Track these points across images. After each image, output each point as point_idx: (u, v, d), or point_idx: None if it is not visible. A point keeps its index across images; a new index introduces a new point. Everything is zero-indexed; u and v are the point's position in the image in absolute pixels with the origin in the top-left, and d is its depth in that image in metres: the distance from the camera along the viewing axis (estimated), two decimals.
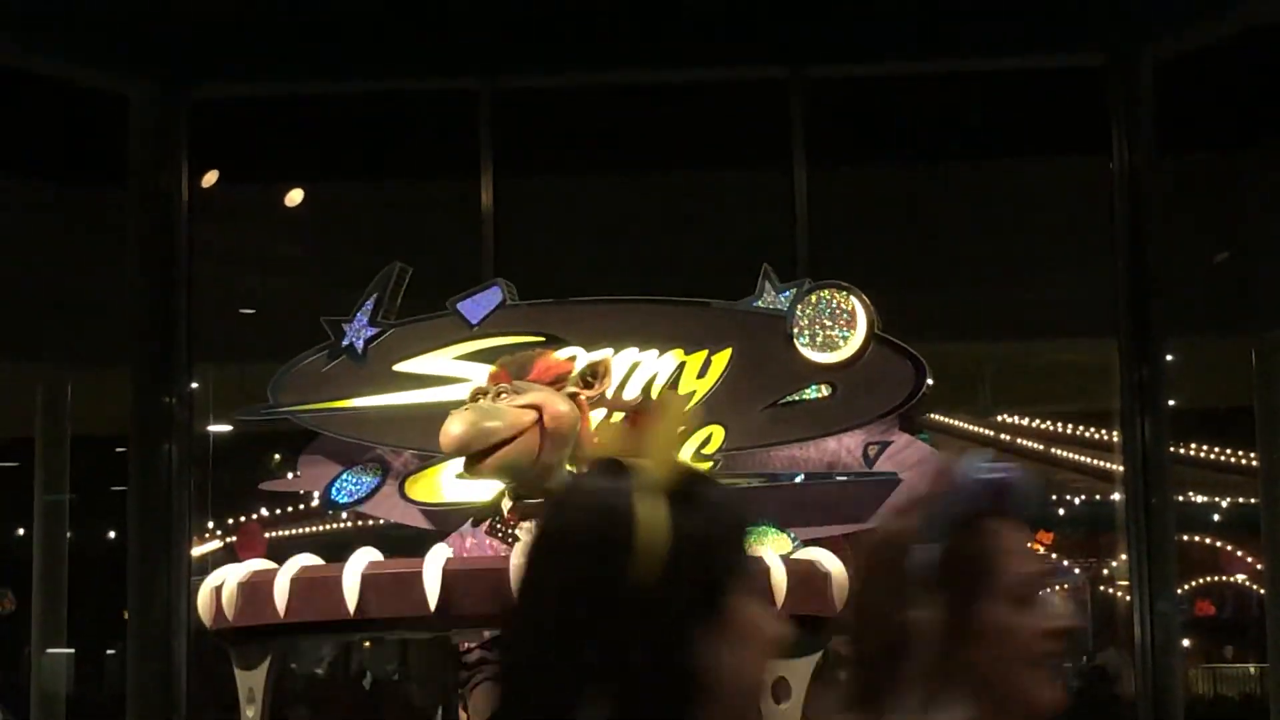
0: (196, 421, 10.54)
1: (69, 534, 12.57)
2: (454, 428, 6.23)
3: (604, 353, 7.31)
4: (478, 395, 6.41)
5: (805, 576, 5.78)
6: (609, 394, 6.75)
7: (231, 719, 6.33)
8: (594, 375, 6.59)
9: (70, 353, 11.14)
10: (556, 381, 6.47)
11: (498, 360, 6.61)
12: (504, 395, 6.33)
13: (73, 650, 13.17)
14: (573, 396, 6.44)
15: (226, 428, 10.89)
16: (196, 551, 11.20)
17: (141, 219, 10.44)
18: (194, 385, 10.46)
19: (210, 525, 11.32)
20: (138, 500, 10.49)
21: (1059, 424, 15.57)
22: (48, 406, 11.89)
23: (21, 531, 13.47)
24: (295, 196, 10.82)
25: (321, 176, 10.76)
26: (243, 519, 13.06)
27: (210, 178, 10.53)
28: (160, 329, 10.30)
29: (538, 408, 6.30)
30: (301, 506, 13.95)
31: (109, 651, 14.98)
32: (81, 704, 13.41)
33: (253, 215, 10.91)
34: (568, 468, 6.34)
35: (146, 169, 10.45)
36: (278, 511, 15.14)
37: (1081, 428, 15.13)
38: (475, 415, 6.25)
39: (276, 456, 9.11)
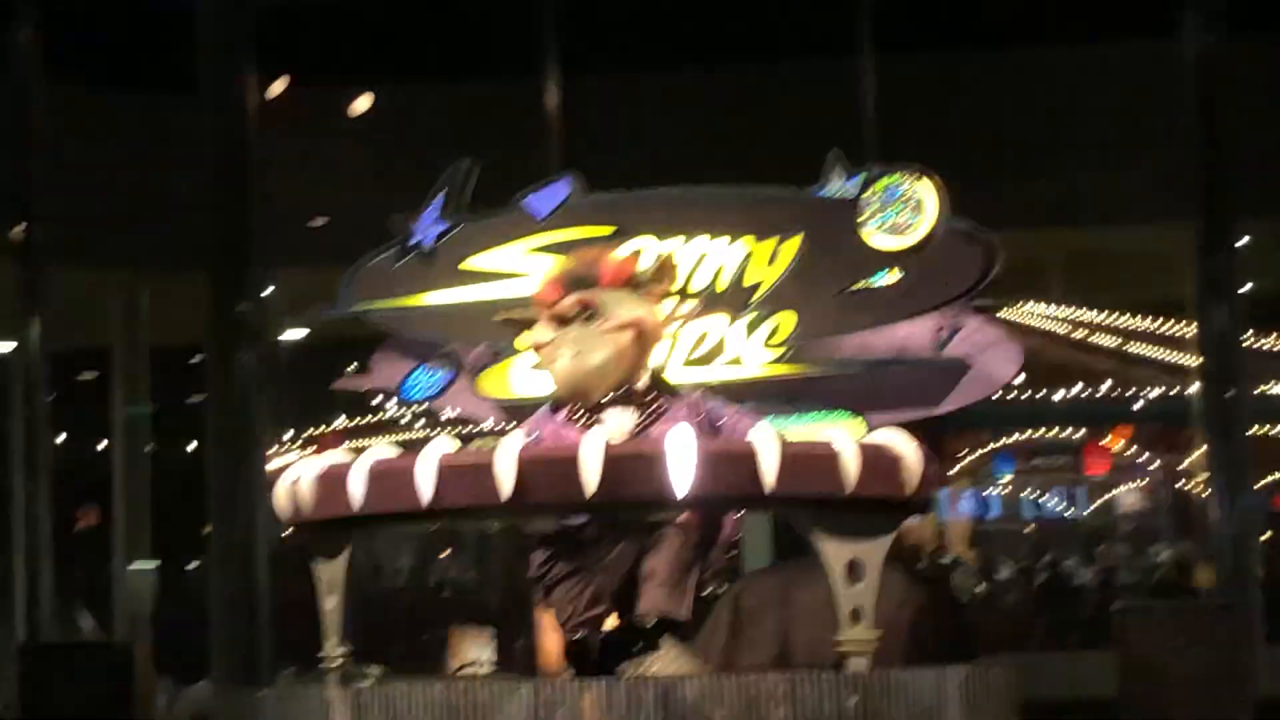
0: (271, 328, 10.60)
1: (149, 447, 12.68)
2: (562, 376, 6.18)
3: (668, 245, 7.32)
4: (561, 318, 6.30)
5: (876, 458, 5.77)
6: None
7: (313, 624, 6.38)
8: (662, 271, 6.56)
9: (144, 260, 11.25)
10: (629, 282, 6.43)
11: (558, 273, 6.49)
12: (593, 319, 6.26)
13: (157, 563, 13.32)
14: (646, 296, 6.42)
15: (300, 334, 10.97)
16: (274, 466, 11.31)
17: (212, 127, 10.50)
18: (268, 291, 10.52)
19: (289, 436, 11.40)
20: (216, 411, 10.58)
21: (1134, 317, 15.51)
22: (124, 314, 11.99)
23: (102, 445, 13.59)
24: (363, 102, 10.85)
25: (389, 80, 10.78)
26: (319, 429, 13.16)
27: (279, 85, 10.56)
28: (233, 236, 10.36)
29: (635, 326, 6.25)
30: (377, 417, 14.05)
31: (192, 564, 15.15)
32: (166, 616, 13.55)
33: (322, 121, 10.95)
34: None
35: (215, 78, 10.49)
36: (355, 422, 15.25)
37: (1157, 322, 15.07)
38: (582, 356, 6.16)
39: (354, 365, 9.14)
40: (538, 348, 6.34)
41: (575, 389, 6.19)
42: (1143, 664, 6.34)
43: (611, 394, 6.29)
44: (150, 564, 13.26)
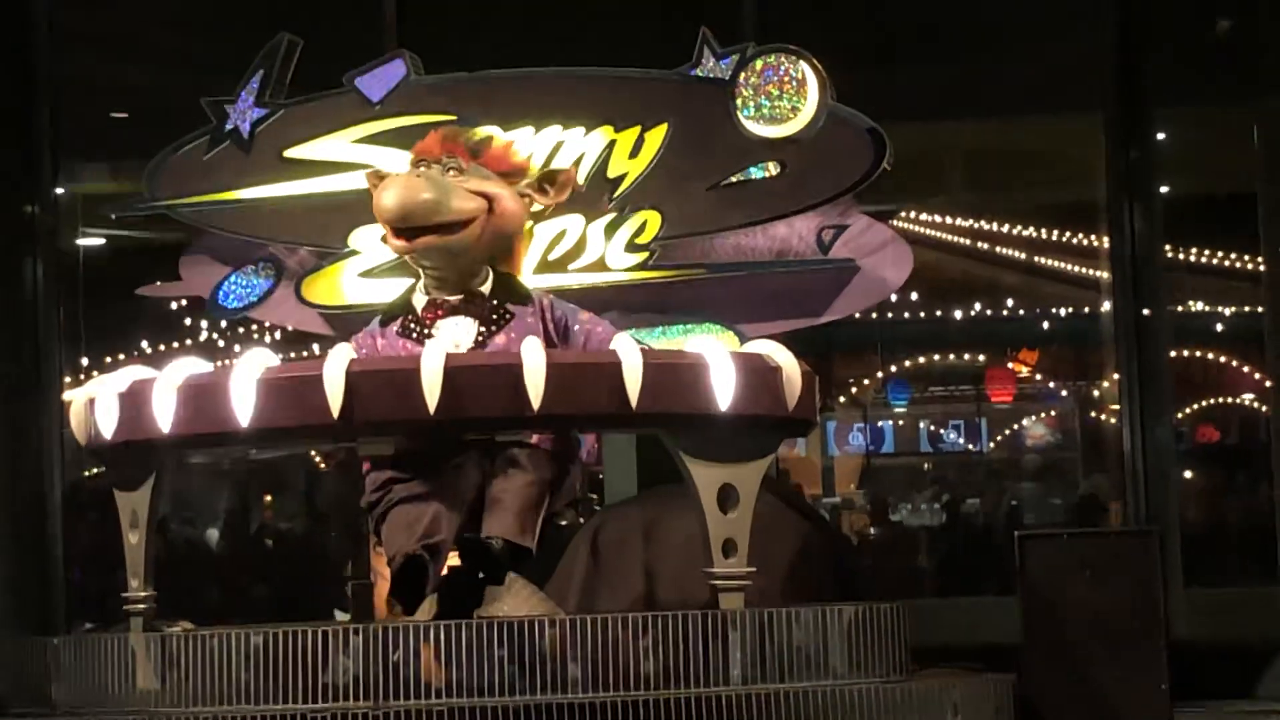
0: (64, 233, 10.50)
1: None
2: (392, 193, 6.18)
3: (516, 134, 7.39)
4: (422, 161, 6.37)
5: (753, 372, 5.86)
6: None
7: (113, 579, 6.38)
8: (551, 183, 6.59)
9: None
10: (510, 175, 6.47)
11: (448, 131, 6.55)
12: (453, 172, 6.32)
13: None
14: (522, 197, 6.46)
15: (99, 240, 10.87)
16: (69, 396, 11.19)
17: None
18: (60, 191, 10.42)
19: (84, 362, 11.29)
20: (1, 331, 10.47)
21: (1042, 229, 15.69)
22: None
23: None
24: None
25: None
26: (122, 355, 13.02)
27: None
28: (19, 128, 10.24)
29: (490, 199, 6.30)
30: (189, 341, 13.95)
31: None
32: None
33: None
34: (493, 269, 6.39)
35: None
36: (162, 347, 15.11)
37: (1068, 233, 15.26)
38: (422, 184, 6.21)
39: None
40: (379, 180, 6.36)
41: (398, 212, 6.19)
42: (1047, 598, 6.48)
43: (451, 298, 6.34)
44: None
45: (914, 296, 15.30)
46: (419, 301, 6.37)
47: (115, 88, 10.65)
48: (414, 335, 6.29)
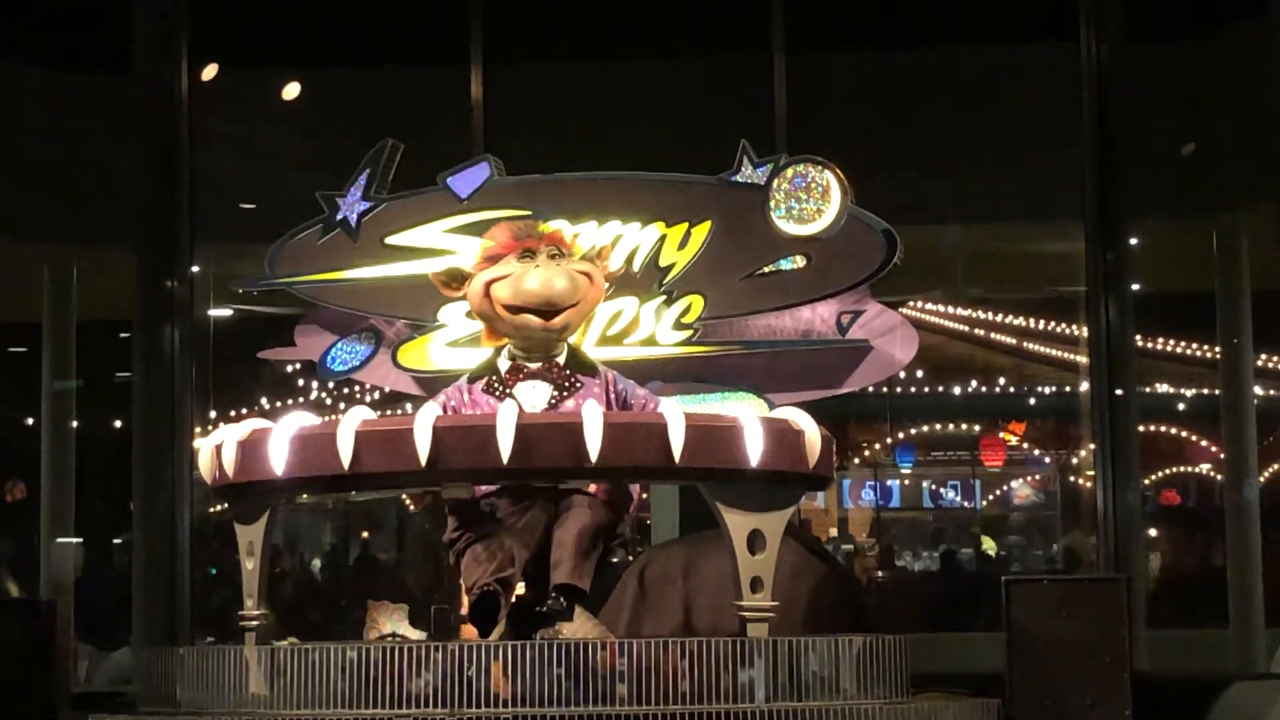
0: (198, 305, 10.54)
1: (75, 422, 12.56)
2: (535, 281, 6.26)
3: (583, 228, 7.41)
4: (528, 252, 6.39)
5: (779, 434, 5.85)
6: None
7: (236, 601, 6.38)
8: (599, 256, 6.64)
9: (75, 235, 11.18)
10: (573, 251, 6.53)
11: (510, 227, 6.56)
12: (557, 258, 6.38)
13: (80, 540, 13.17)
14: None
15: (227, 312, 10.91)
16: (199, 444, 11.21)
17: (144, 106, 10.45)
18: (195, 269, 10.47)
19: (212, 414, 11.33)
20: (142, 386, 10.50)
21: (1030, 319, 15.67)
22: (54, 288, 11.89)
23: (30, 420, 13.44)
24: (292, 90, 10.81)
25: (318, 65, 10.74)
26: (243, 410, 13.06)
27: (210, 71, 10.51)
28: (162, 214, 10.30)
29: (590, 277, 6.37)
30: (302, 398, 13.98)
31: (115, 540, 14.99)
32: (88, 586, 13.42)
33: (252, 103, 10.90)
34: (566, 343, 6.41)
35: (149, 57, 10.45)
36: (279, 403, 15.16)
37: (1052, 322, 15.22)
38: (556, 272, 6.28)
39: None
40: (495, 281, 6.36)
41: (547, 297, 6.26)
42: (1029, 634, 6.43)
43: (531, 365, 6.36)
44: (73, 540, 13.13)
45: (919, 374, 15.30)
46: (503, 365, 6.40)
47: (243, 183, 10.72)
48: (496, 393, 6.32)
